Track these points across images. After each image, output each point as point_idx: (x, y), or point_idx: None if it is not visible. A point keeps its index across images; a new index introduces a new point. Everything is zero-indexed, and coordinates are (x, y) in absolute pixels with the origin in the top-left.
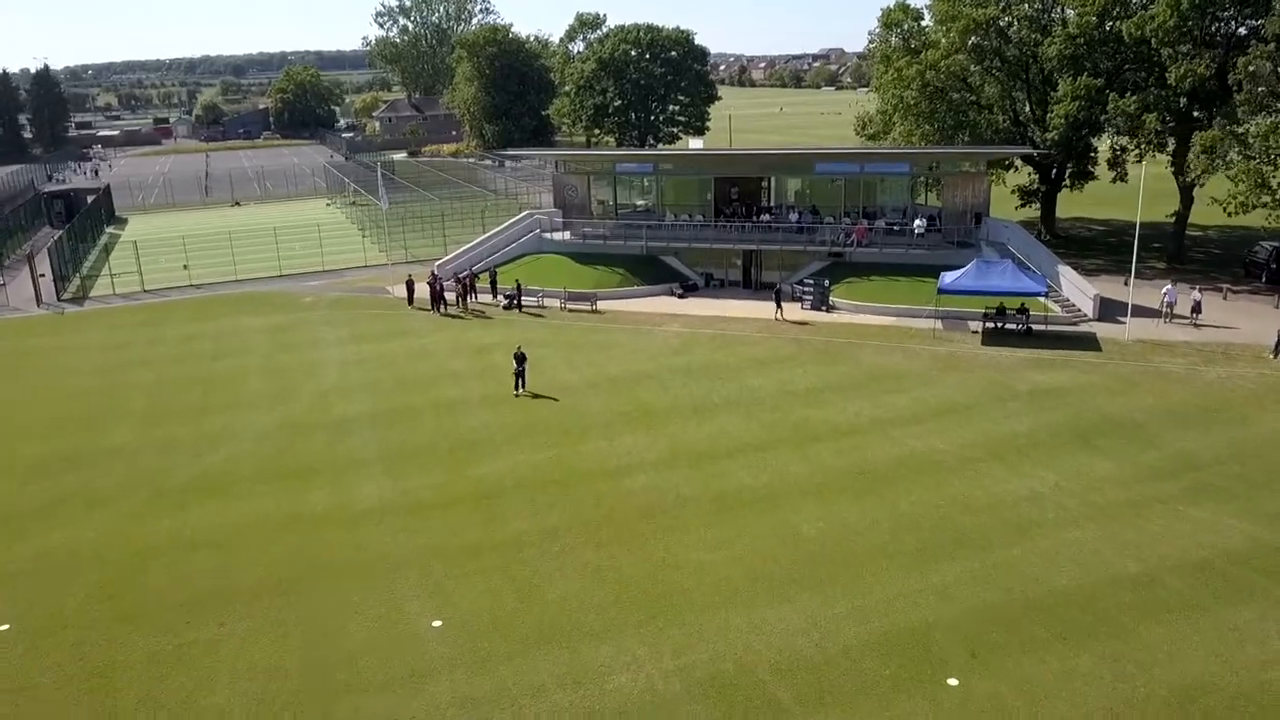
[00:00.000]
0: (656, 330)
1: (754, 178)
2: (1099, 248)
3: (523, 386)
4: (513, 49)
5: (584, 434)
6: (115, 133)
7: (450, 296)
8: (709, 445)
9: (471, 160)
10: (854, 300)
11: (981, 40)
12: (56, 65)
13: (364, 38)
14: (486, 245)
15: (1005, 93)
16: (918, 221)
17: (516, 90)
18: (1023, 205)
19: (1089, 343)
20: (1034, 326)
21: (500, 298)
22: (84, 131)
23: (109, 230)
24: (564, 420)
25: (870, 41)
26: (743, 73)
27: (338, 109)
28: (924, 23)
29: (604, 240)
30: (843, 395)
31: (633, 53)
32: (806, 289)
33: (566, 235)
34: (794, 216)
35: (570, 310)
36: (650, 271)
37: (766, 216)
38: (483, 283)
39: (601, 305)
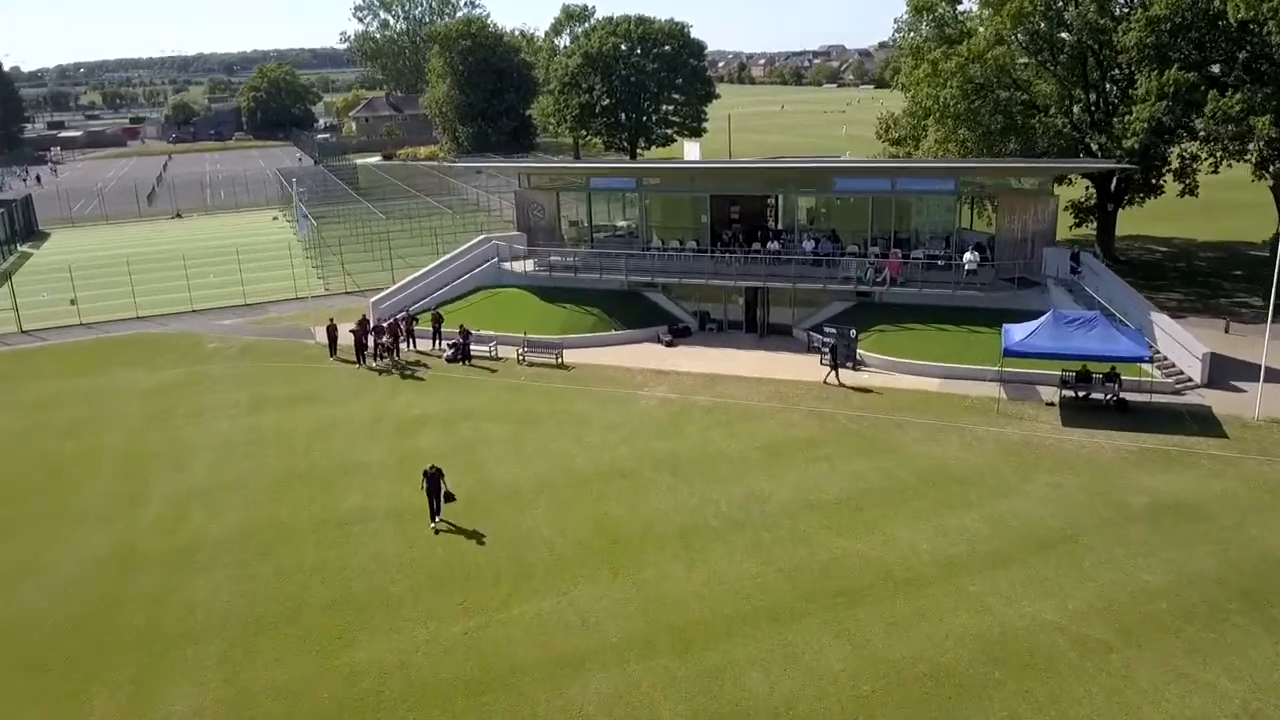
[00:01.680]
0: (637, 396)
1: (759, 196)
2: (1169, 275)
3: (439, 514)
4: (489, 43)
5: (521, 582)
6: (77, 134)
7: (370, 342)
8: (702, 609)
9: (446, 165)
10: (888, 355)
11: (1037, 27)
12: (49, 63)
13: (342, 33)
14: (436, 277)
15: (1064, 90)
16: (968, 256)
17: (493, 88)
18: (1077, 224)
19: (1206, 422)
20: (1127, 396)
21: (443, 346)
22: (45, 133)
23: (21, 249)
24: (496, 556)
25: (896, 32)
26: (742, 70)
27: (316, 108)
28: (961, 8)
29: (575, 273)
30: (888, 511)
31: (622, 47)
32: (825, 340)
33: (530, 265)
34: (809, 244)
35: (530, 364)
36: (632, 311)
37: (775, 244)
38: (424, 324)
39: (570, 356)
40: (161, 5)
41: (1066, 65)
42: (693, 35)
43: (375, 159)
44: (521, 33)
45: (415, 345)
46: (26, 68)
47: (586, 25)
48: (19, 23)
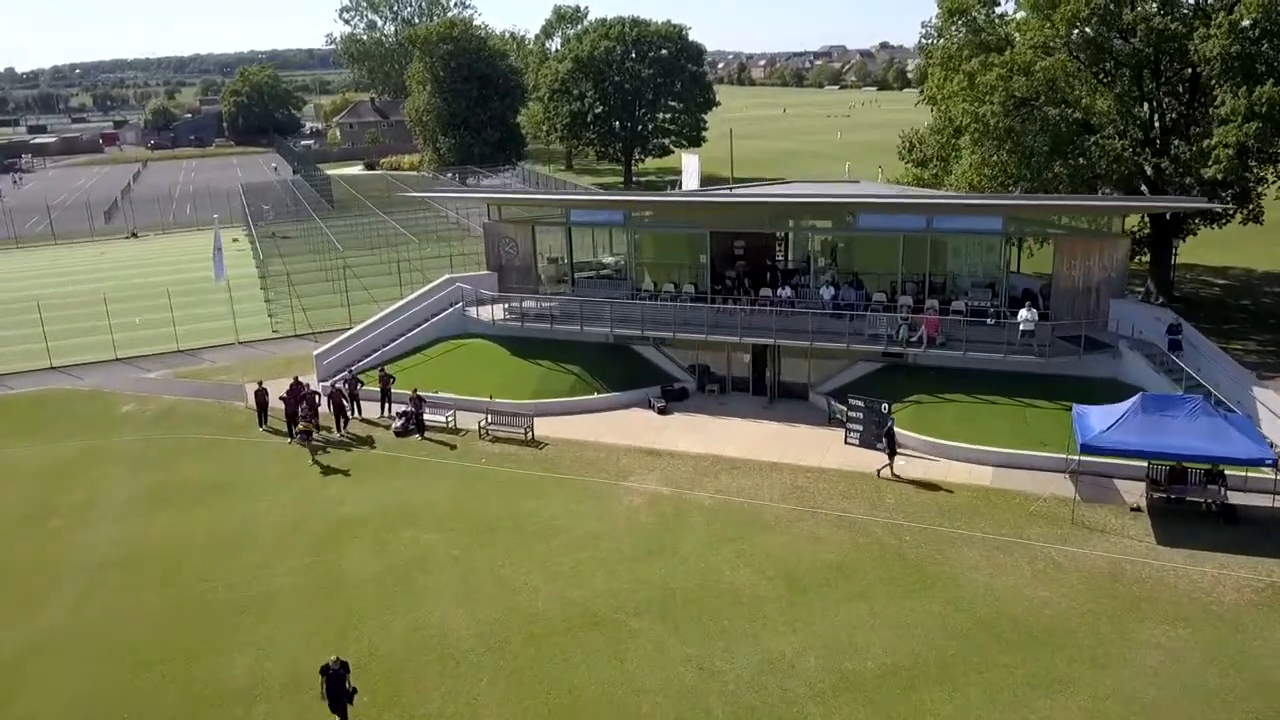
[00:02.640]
0: (621, 489)
1: (768, 233)
2: (1236, 317)
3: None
4: (472, 47)
5: None
6: (51, 139)
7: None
8: None
9: (429, 176)
10: (928, 435)
11: (1095, 33)
12: (45, 64)
13: (328, 35)
14: (391, 325)
15: (1123, 107)
16: (1023, 314)
17: (477, 96)
18: (1130, 257)
19: None
20: (1235, 500)
21: (392, 414)
22: (19, 139)
23: None
24: None
25: (924, 37)
26: (742, 71)
27: (306, 108)
28: (1000, 9)
29: (551, 324)
30: (952, 694)
31: (616, 50)
32: (854, 416)
33: (501, 313)
34: (827, 292)
35: (495, 438)
36: (618, 368)
37: (787, 290)
38: (372, 381)
39: (544, 426)
40: (159, 6)
41: (1127, 78)
42: (691, 38)
43: (357, 168)
44: (511, 35)
45: (360, 412)
46: (21, 69)
47: (579, 28)
48: (16, 24)
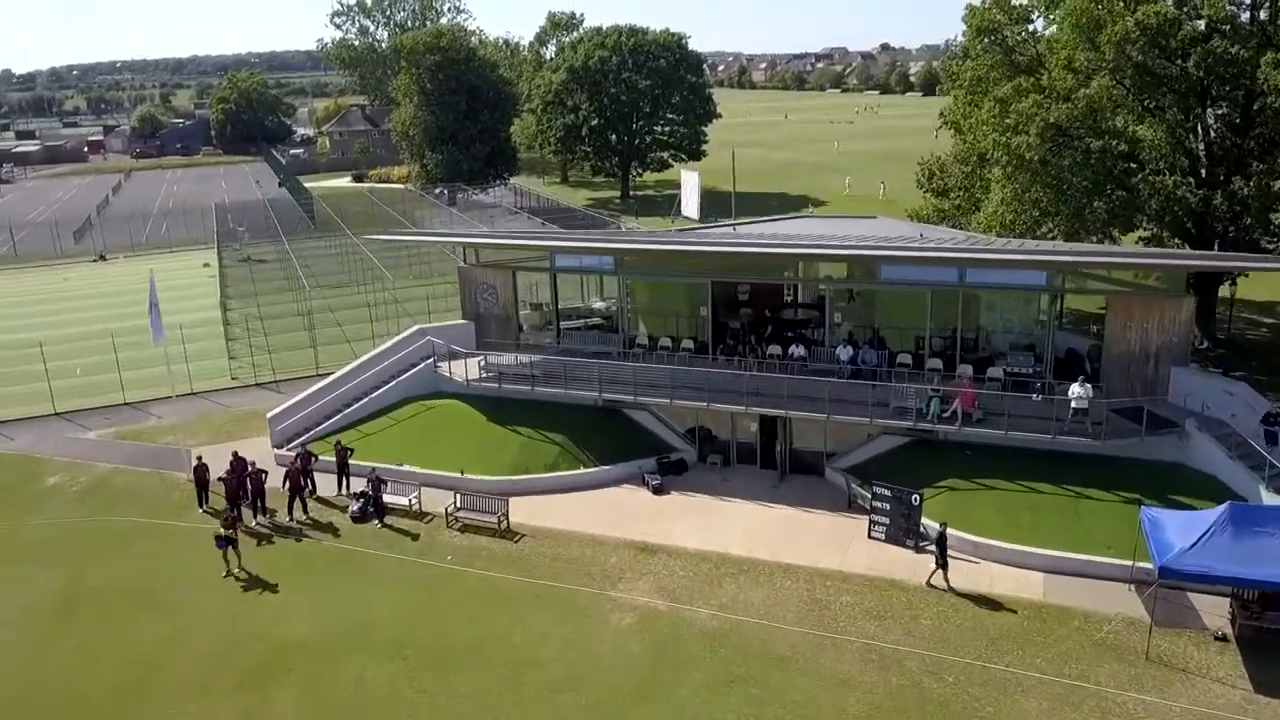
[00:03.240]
0: (608, 603)
1: (776, 284)
2: None
3: None
4: (461, 57)
5: None
6: (35, 148)
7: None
8: None
9: (415, 192)
10: (965, 530)
11: (1143, 56)
12: (43, 66)
13: (319, 40)
14: (354, 384)
15: (1176, 140)
16: (1076, 391)
17: (466, 109)
18: None
19: None
20: None
21: (349, 495)
22: (2, 147)
23: None
24: None
25: (949, 56)
26: (742, 74)
27: (300, 112)
28: (1034, 27)
29: (532, 385)
30: None
31: (612, 60)
32: (879, 506)
33: (476, 370)
34: (845, 352)
35: (465, 524)
36: (607, 437)
37: (799, 348)
38: (326, 449)
39: (522, 509)
40: (159, 6)
41: (1177, 106)
42: (691, 42)
43: (345, 180)
44: (506, 42)
45: (314, 491)
46: (21, 70)
47: (573, 36)
48: (15, 25)
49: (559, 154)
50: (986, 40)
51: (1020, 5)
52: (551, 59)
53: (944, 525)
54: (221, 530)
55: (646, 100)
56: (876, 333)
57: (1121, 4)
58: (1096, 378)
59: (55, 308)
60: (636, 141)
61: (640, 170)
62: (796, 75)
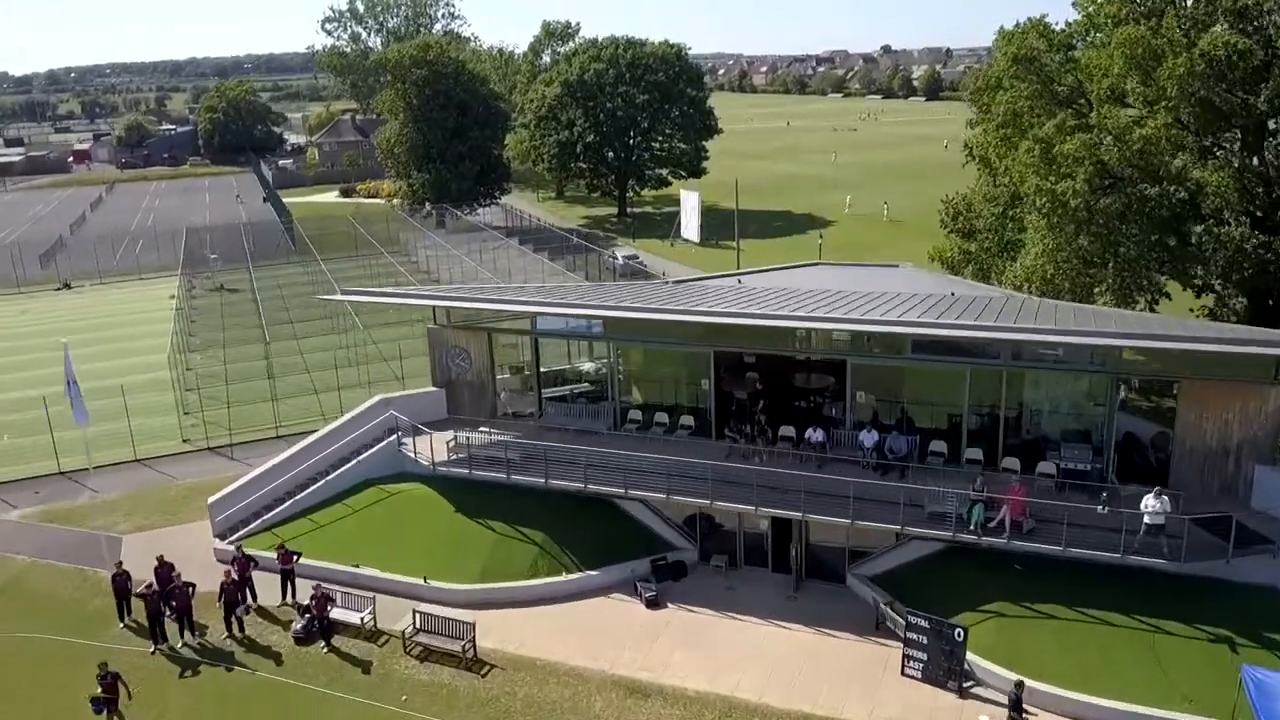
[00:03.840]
0: None
1: (786, 356)
2: None
3: None
4: (449, 71)
5: None
6: (17, 158)
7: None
8: None
9: (400, 212)
10: (1018, 670)
11: (1211, 92)
12: (41, 68)
13: (309, 46)
14: (307, 465)
15: (1242, 186)
16: (1150, 504)
17: (454, 126)
18: None
19: None
20: None
21: (294, 604)
22: None
23: None
24: None
25: (977, 84)
26: (743, 78)
27: (281, 127)
28: (1077, 53)
29: (508, 472)
30: None
31: (608, 73)
32: (914, 639)
33: (445, 448)
34: (868, 438)
35: (425, 650)
36: (594, 533)
37: (817, 433)
38: (274, 542)
39: (493, 627)
40: (158, 7)
41: (1243, 148)
42: (691, 54)
43: (333, 194)
44: (500, 50)
45: (255, 603)
46: (20, 71)
47: (568, 47)
48: (14, 27)
49: (553, 171)
50: (1022, 69)
51: (1062, 31)
52: (546, 69)
53: (1020, 684)
54: (98, 691)
55: (644, 115)
56: (904, 413)
57: (1180, 32)
58: (1163, 471)
59: (2, 348)
60: (634, 158)
61: (639, 188)
62: (798, 79)
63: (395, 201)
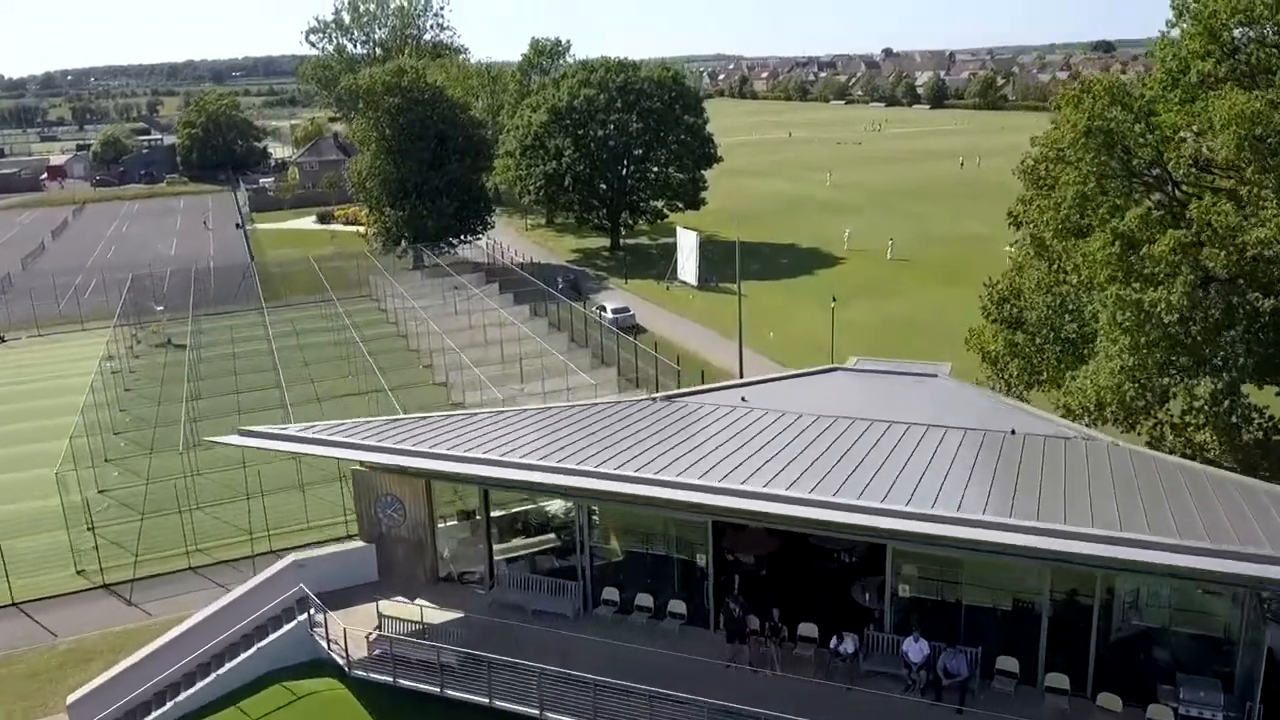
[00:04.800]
0: None
1: (803, 534)
2: None
3: None
4: (426, 98)
5: None
6: None
7: None
8: None
9: (372, 248)
10: None
11: None
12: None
13: (294, 56)
14: (196, 655)
15: None
16: None
17: (432, 158)
18: None
19: None
20: None
21: None
22: None
23: None
24: None
25: (1036, 160)
26: (744, 84)
27: (265, 141)
28: (1160, 118)
29: (441, 685)
30: None
31: (599, 99)
32: None
33: (365, 641)
34: (915, 649)
35: None
36: None
37: (847, 643)
38: None
39: None
40: (154, 9)
41: None
42: (691, 59)
43: (307, 221)
44: (487, 68)
45: None
46: (17, 74)
47: (558, 70)
48: (12, 28)
49: (539, 204)
50: (1095, 143)
51: (1144, 98)
52: (534, 91)
53: None
54: None
55: (638, 144)
56: (962, 614)
57: None
58: None
59: None
60: (627, 190)
61: (632, 221)
62: (799, 85)
63: (370, 231)
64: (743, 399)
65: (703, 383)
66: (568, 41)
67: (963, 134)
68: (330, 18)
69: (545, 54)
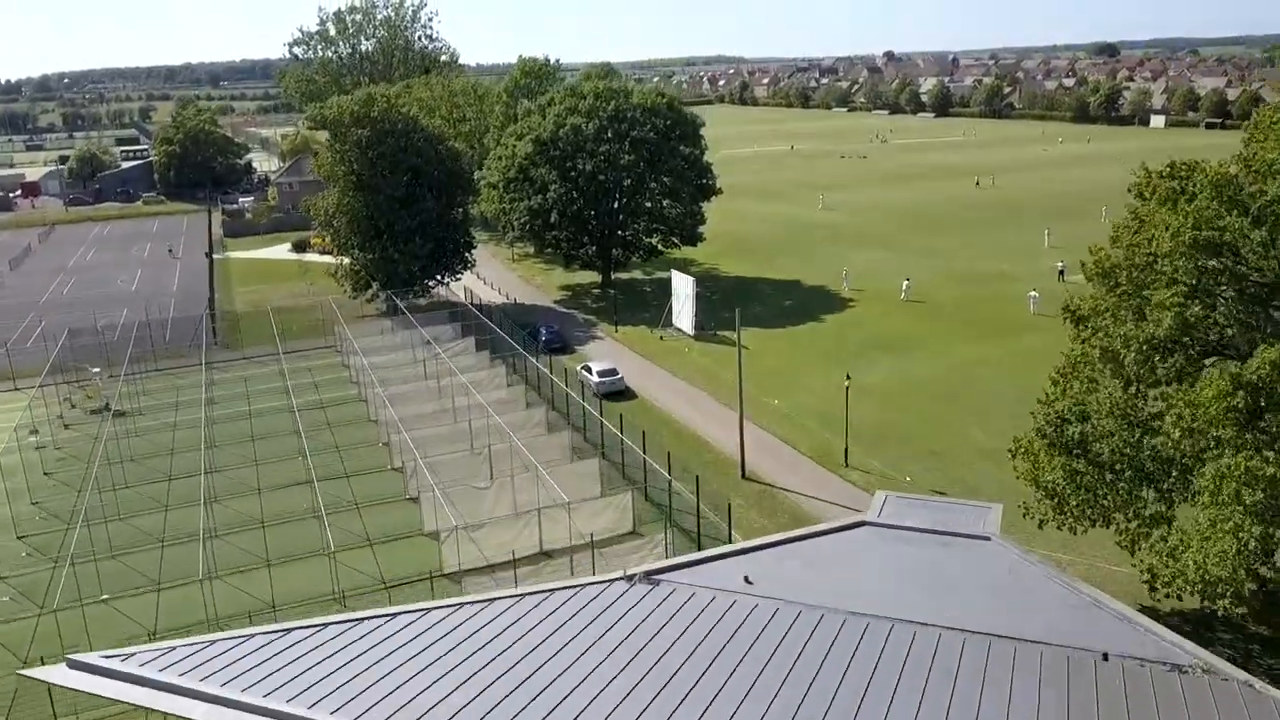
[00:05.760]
0: None
1: None
2: None
3: None
4: (399, 129)
5: None
6: None
7: None
8: None
9: (343, 292)
10: None
11: None
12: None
13: (279, 71)
14: None
15: None
16: None
17: (404, 194)
18: None
19: None
20: None
21: None
22: None
23: None
24: None
25: (1125, 256)
26: (744, 90)
27: (249, 155)
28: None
29: None
30: None
31: (588, 128)
32: None
33: None
34: None
35: None
36: None
37: None
38: None
39: None
40: (152, 12)
41: None
42: (691, 61)
43: (281, 250)
44: (474, 87)
45: None
46: (15, 77)
47: (545, 91)
48: (11, 30)
49: (523, 241)
50: (1206, 256)
51: (1266, 196)
52: (521, 116)
53: None
54: None
55: (629, 176)
56: None
57: None
58: None
59: None
60: (617, 223)
61: (624, 258)
62: (801, 91)
63: (339, 273)
64: (746, 579)
65: (698, 476)
66: (557, 61)
67: (972, 147)
68: (314, 28)
69: (533, 75)
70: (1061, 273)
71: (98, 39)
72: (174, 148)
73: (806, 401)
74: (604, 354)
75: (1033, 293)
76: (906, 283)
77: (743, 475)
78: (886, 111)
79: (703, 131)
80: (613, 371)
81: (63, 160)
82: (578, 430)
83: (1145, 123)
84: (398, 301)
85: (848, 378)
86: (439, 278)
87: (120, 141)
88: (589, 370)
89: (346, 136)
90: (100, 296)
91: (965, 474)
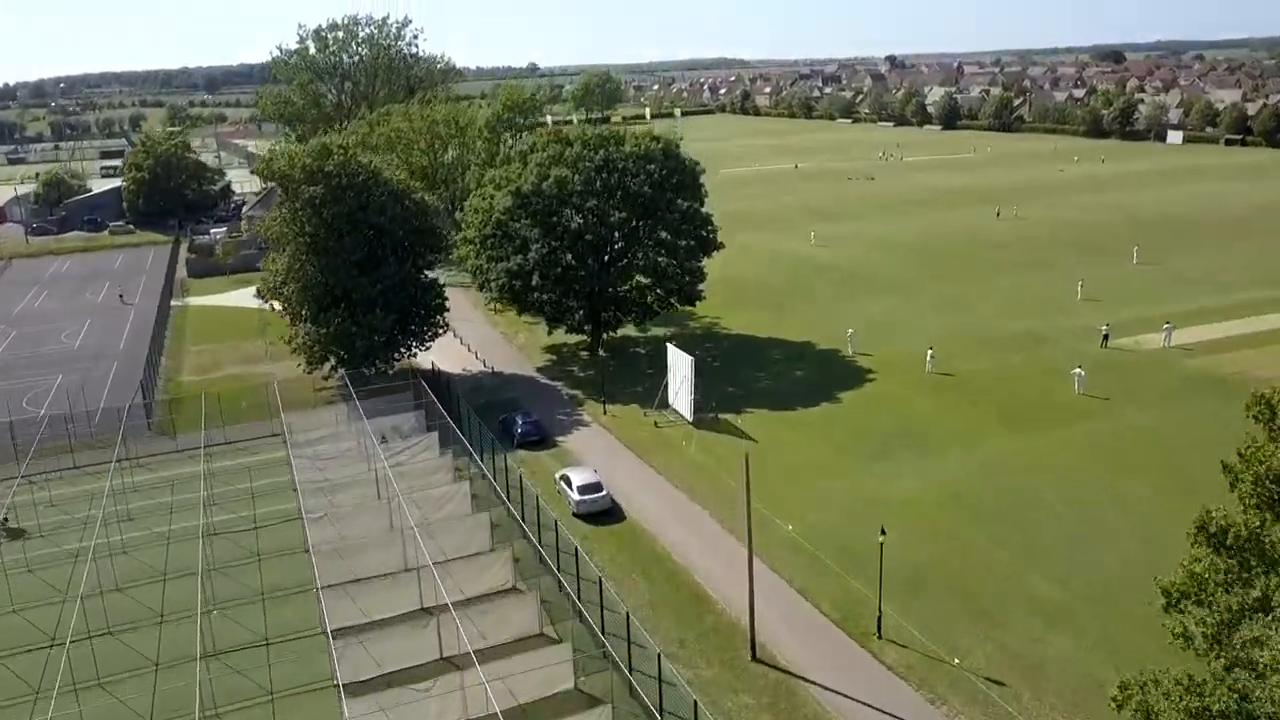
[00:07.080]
0: None
1: None
2: None
3: None
4: (358, 183)
5: None
6: None
7: None
8: None
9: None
10: None
11: None
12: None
13: (257, 90)
14: None
15: None
16: None
17: (363, 258)
18: None
19: None
20: None
21: None
22: None
23: None
24: None
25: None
26: (746, 99)
27: (220, 182)
28: None
29: None
30: None
31: (574, 180)
32: None
33: None
34: None
35: None
36: None
37: None
38: None
39: None
40: (150, 14)
41: None
42: (692, 64)
43: (246, 295)
44: (455, 118)
45: None
46: (7, 81)
47: (525, 144)
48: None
49: (502, 301)
50: None
51: None
52: (500, 162)
53: None
54: None
55: (620, 234)
56: None
57: None
58: None
59: None
60: (607, 280)
61: (614, 323)
62: (804, 102)
63: (292, 346)
64: None
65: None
66: (543, 90)
67: (983, 165)
68: (294, 46)
69: (515, 109)
70: (1106, 337)
71: (94, 43)
72: (144, 174)
73: (825, 522)
74: (590, 449)
75: (1078, 370)
76: (930, 353)
77: (753, 657)
78: (892, 123)
79: (701, 140)
80: (596, 487)
81: (37, 177)
82: (552, 575)
83: (1161, 138)
84: (351, 389)
85: (882, 532)
86: (405, 349)
87: (105, 155)
88: (568, 483)
89: (298, 194)
90: (34, 360)
91: (1027, 650)
